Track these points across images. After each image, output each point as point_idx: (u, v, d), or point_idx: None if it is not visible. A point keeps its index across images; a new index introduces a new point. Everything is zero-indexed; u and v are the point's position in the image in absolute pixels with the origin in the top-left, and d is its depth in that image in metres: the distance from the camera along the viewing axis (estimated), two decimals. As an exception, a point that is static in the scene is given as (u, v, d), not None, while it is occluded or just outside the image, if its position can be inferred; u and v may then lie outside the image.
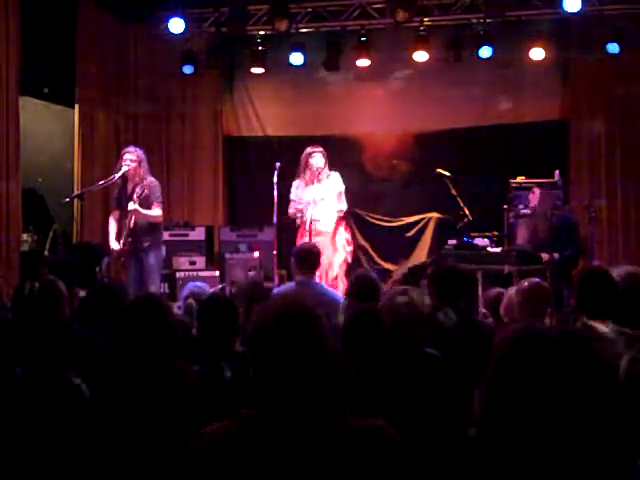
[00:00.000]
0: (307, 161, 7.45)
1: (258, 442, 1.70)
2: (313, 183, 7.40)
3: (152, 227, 6.85)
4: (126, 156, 6.74)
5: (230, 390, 2.83)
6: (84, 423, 2.61)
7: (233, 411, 1.80)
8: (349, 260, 7.63)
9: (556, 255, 7.28)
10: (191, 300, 4.59)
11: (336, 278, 7.35)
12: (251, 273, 7.96)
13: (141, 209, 6.59)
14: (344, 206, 7.60)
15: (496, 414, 1.94)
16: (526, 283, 4.20)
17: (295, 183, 7.58)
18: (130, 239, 6.67)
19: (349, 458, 1.67)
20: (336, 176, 7.59)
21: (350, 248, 7.69)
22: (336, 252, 7.51)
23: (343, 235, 7.63)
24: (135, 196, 6.59)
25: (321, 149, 7.50)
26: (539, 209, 7.65)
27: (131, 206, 6.57)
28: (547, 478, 1.82)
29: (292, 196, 7.59)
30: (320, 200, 7.39)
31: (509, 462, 1.84)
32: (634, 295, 3.66)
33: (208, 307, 3.42)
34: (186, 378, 2.75)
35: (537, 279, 4.43)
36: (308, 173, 7.44)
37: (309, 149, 7.51)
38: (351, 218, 8.19)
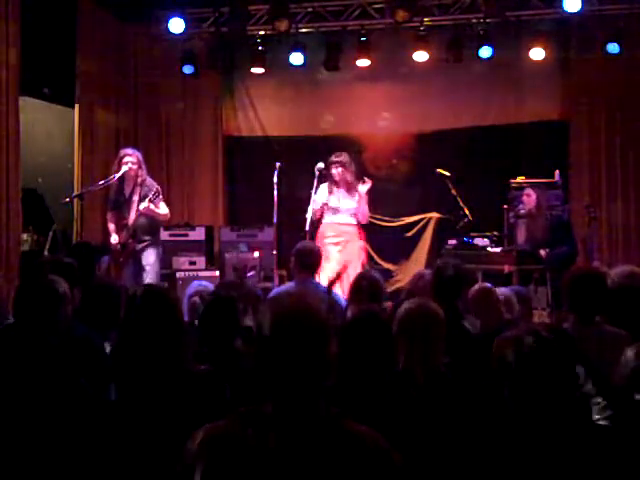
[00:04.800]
0: (329, 170, 7.13)
1: (258, 440, 1.70)
2: (333, 192, 7.08)
3: (151, 226, 6.90)
4: (126, 158, 6.80)
5: (229, 389, 2.83)
6: (90, 421, 2.60)
7: (232, 409, 1.80)
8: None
9: (549, 251, 7.33)
10: (196, 298, 4.58)
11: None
12: (250, 274, 7.96)
13: (155, 208, 6.67)
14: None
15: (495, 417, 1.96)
16: (475, 286, 4.32)
17: (323, 185, 7.16)
18: (131, 239, 6.74)
19: (345, 461, 1.68)
20: (363, 190, 7.11)
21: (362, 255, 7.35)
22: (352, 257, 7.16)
23: (357, 243, 7.27)
24: (151, 195, 6.65)
25: (342, 159, 7.13)
26: (537, 210, 7.67)
27: (145, 204, 6.61)
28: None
29: (315, 196, 7.12)
30: (344, 210, 7.09)
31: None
32: (633, 295, 3.66)
33: (211, 306, 3.43)
34: (194, 376, 2.73)
35: (487, 284, 4.48)
36: (332, 184, 7.12)
37: (332, 158, 7.15)
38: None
